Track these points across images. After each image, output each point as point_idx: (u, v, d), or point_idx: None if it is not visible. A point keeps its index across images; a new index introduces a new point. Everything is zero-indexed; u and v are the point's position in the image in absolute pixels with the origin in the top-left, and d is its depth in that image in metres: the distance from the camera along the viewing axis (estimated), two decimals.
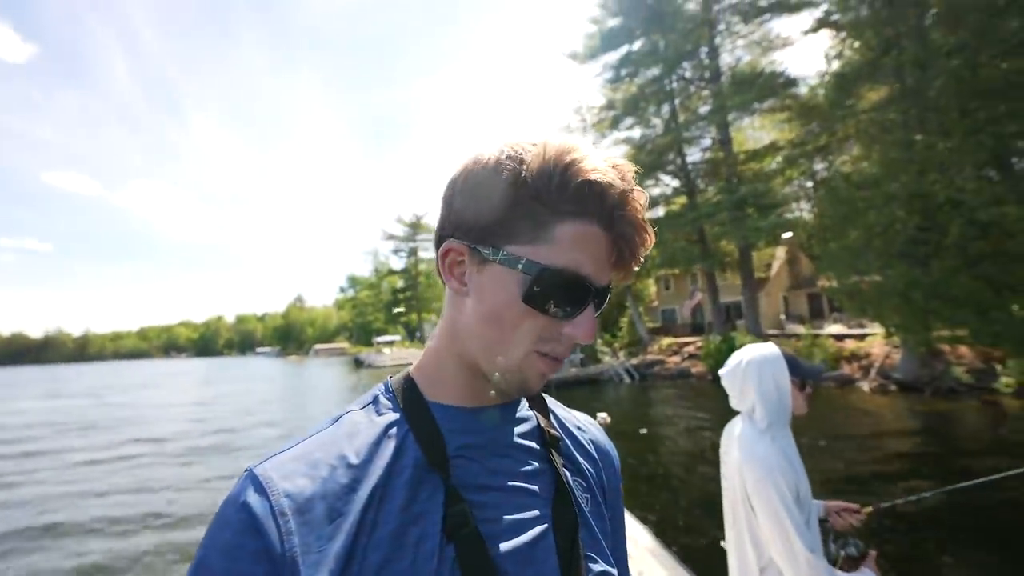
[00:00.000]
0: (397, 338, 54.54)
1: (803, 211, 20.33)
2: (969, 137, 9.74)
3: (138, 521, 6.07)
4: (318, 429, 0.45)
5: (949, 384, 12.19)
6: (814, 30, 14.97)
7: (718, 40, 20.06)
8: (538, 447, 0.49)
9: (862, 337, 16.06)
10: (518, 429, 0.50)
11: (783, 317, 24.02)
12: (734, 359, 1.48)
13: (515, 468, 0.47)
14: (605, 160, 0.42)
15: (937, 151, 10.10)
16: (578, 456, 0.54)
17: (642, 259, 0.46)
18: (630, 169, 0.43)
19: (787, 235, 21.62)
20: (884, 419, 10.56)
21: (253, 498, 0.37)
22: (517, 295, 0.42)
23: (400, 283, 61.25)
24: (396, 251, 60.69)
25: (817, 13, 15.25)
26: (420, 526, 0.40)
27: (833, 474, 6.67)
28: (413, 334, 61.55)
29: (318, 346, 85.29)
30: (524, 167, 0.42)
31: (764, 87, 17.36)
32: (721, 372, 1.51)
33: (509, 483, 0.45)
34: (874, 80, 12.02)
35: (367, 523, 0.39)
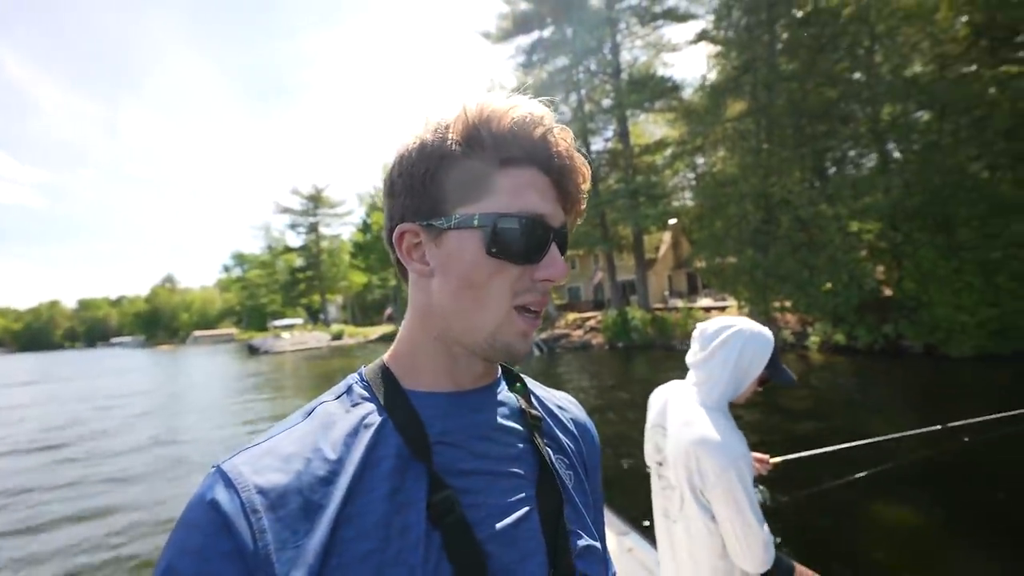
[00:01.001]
0: (298, 321, 50.26)
1: (687, 200, 23.41)
2: (798, 148, 12.35)
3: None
4: (290, 423, 0.43)
5: (779, 343, 15.64)
6: (695, 41, 17.17)
7: (619, 38, 21.71)
8: (521, 428, 0.50)
9: (723, 309, 19.48)
10: (500, 412, 0.49)
11: (666, 293, 27.72)
12: (725, 323, 1.36)
13: (499, 451, 0.46)
14: (523, 106, 0.43)
15: (776, 158, 12.61)
16: (559, 434, 0.54)
17: (585, 194, 0.47)
18: (547, 110, 0.45)
19: (672, 221, 24.86)
20: None
21: (222, 495, 0.36)
22: (481, 251, 0.42)
23: (299, 261, 56.01)
24: (293, 226, 55.09)
25: (699, 26, 17.51)
26: (404, 515, 0.39)
27: None
28: (316, 316, 57.24)
29: (198, 332, 74.80)
30: (449, 133, 0.43)
31: (655, 89, 19.40)
32: (700, 325, 1.40)
33: (493, 467, 0.45)
34: (736, 94, 14.36)
35: (347, 515, 0.38)
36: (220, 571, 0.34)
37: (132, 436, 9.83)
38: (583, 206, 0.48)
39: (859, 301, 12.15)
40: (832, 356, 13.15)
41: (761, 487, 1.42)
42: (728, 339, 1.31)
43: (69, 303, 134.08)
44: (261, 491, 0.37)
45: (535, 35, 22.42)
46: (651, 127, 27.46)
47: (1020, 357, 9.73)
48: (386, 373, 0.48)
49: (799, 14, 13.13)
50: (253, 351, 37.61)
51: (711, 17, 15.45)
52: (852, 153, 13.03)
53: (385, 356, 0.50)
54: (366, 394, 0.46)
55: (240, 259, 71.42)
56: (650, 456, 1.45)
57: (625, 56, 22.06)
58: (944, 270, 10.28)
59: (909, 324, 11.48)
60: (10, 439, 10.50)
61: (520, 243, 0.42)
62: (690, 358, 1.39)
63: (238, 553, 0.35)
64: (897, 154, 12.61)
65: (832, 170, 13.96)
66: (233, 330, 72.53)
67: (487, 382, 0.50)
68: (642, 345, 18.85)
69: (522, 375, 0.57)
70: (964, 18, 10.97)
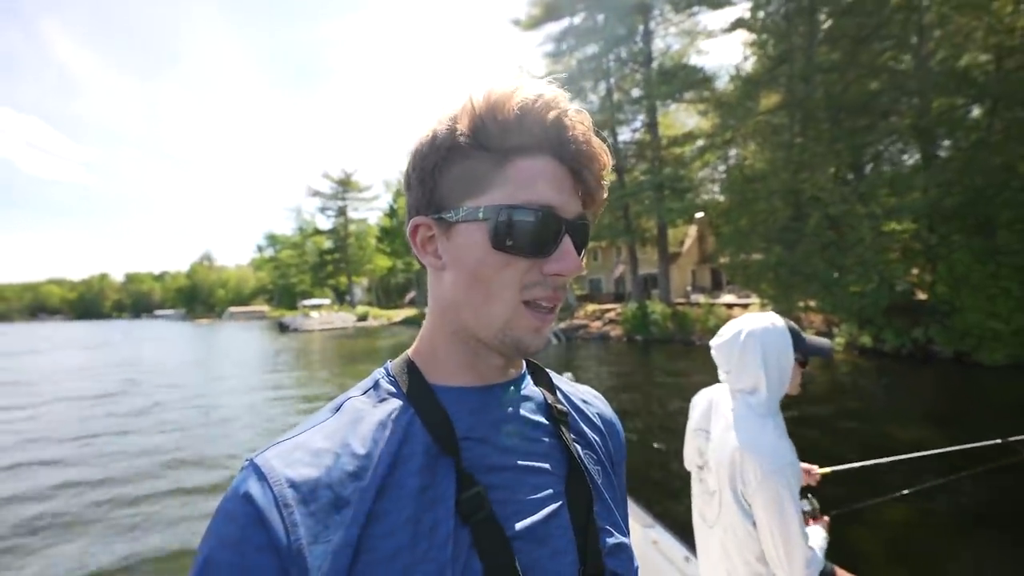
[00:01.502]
0: (326, 301, 52.12)
1: (716, 194, 22.92)
2: (833, 143, 11.96)
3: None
4: (319, 419, 0.43)
5: None
6: (731, 29, 16.62)
7: (652, 25, 21.18)
8: (547, 423, 0.49)
9: (745, 306, 19.15)
10: (526, 407, 0.49)
11: (688, 288, 27.34)
12: (732, 328, 1.32)
13: (526, 447, 0.46)
14: (533, 90, 0.41)
15: (809, 153, 12.26)
16: (586, 429, 0.54)
17: (606, 181, 0.45)
18: (561, 93, 0.42)
19: (699, 215, 24.38)
20: None
21: (255, 489, 0.36)
22: (487, 245, 0.41)
23: (328, 244, 57.87)
24: (323, 209, 56.86)
25: (736, 13, 16.91)
26: (433, 512, 0.39)
27: None
28: (343, 297, 59.17)
29: (233, 309, 78.46)
30: (457, 124, 0.42)
31: (685, 80, 18.94)
32: (714, 343, 1.35)
33: (521, 462, 0.45)
34: (771, 86, 13.92)
35: (377, 512, 0.38)
36: (256, 563, 0.34)
37: (176, 402, 10.80)
38: (604, 195, 0.46)
39: (888, 303, 11.81)
40: (858, 358, 12.87)
41: (810, 496, 1.39)
42: (745, 343, 1.26)
43: (117, 276, 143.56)
44: (293, 485, 0.37)
45: (565, 22, 22.16)
46: (683, 117, 26.81)
47: None
48: (412, 368, 0.47)
49: (844, 1, 12.55)
50: (283, 328, 39.44)
51: (748, 4, 14.93)
52: (892, 149, 12.50)
53: (410, 350, 0.50)
54: (393, 389, 0.46)
55: (273, 240, 74.27)
56: (691, 460, 1.42)
57: (658, 44, 21.56)
58: (979, 274, 9.89)
59: (940, 329, 11.11)
60: (87, 393, 11.82)
61: (527, 236, 0.41)
62: (721, 375, 1.34)
63: (272, 546, 0.35)
64: (942, 151, 12.04)
65: (868, 167, 13.45)
66: (265, 307, 75.77)
67: (512, 376, 0.50)
68: (661, 339, 18.81)
69: (547, 370, 0.56)
70: None
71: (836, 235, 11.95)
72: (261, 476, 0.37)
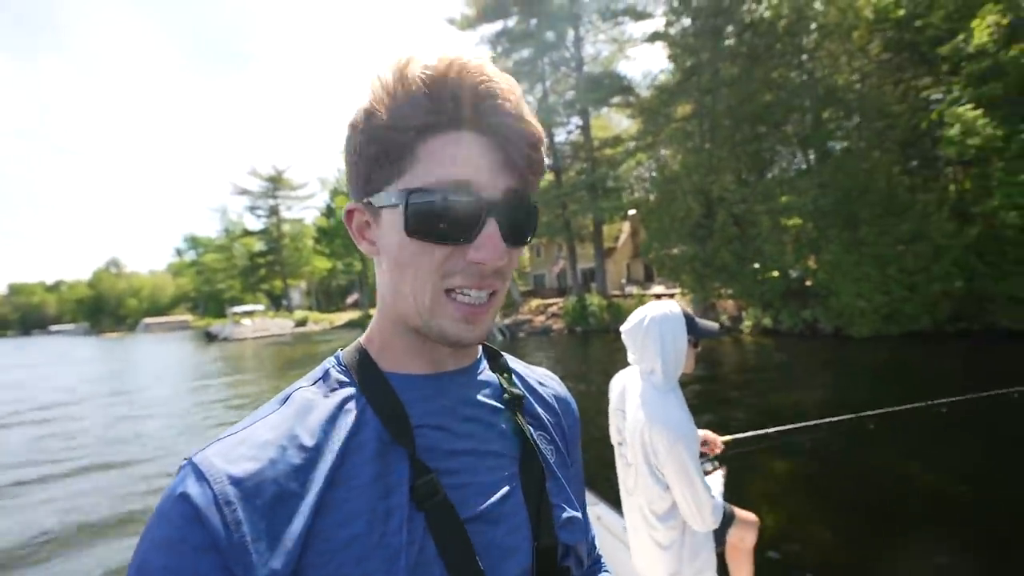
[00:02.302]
0: (259, 307, 48.70)
1: (648, 192, 24.57)
2: (734, 149, 13.52)
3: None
4: (265, 412, 0.41)
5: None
6: (651, 40, 18.00)
7: (582, 32, 22.26)
8: (502, 407, 0.50)
9: (672, 295, 20.93)
10: (482, 392, 0.49)
11: (623, 281, 29.16)
12: (637, 316, 1.47)
13: (482, 432, 0.47)
14: (449, 61, 0.38)
15: (716, 158, 13.76)
16: (541, 411, 0.55)
17: (537, 152, 0.41)
18: (482, 60, 0.39)
19: (632, 212, 26.09)
20: None
21: (193, 488, 0.35)
22: (402, 231, 0.39)
23: (259, 246, 54.03)
24: (252, 209, 52.93)
25: (656, 25, 18.33)
26: (388, 500, 0.39)
27: None
28: (279, 303, 55.66)
29: (149, 320, 70.94)
30: (371, 103, 0.40)
31: (610, 88, 20.21)
32: (623, 328, 1.51)
33: (477, 447, 0.45)
34: (683, 97, 15.37)
35: (329, 502, 0.37)
36: (194, 564, 0.33)
37: (89, 426, 9.84)
38: (542, 165, 0.42)
39: (783, 289, 13.64)
40: (761, 338, 14.70)
41: (715, 461, 1.66)
42: (647, 329, 1.42)
43: None
44: (235, 481, 0.35)
45: (500, 24, 22.61)
46: (616, 119, 28.36)
47: (907, 337, 11.44)
48: (364, 356, 0.46)
49: (744, 22, 14.18)
50: (211, 338, 36.49)
51: (665, 18, 16.31)
52: (785, 154, 14.40)
53: (362, 338, 0.49)
54: (344, 378, 0.45)
55: (194, 242, 67.87)
56: (613, 436, 1.58)
57: (589, 50, 22.68)
58: (847, 263, 11.79)
59: (823, 310, 13.07)
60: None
61: (439, 221, 0.38)
62: (630, 357, 1.50)
63: (212, 545, 0.33)
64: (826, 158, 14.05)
65: (769, 170, 15.37)
66: (188, 317, 69.36)
67: (467, 363, 0.50)
68: (598, 329, 20.04)
69: (504, 354, 0.56)
70: (877, 39, 12.32)
71: (740, 231, 13.56)
72: (200, 474, 0.36)
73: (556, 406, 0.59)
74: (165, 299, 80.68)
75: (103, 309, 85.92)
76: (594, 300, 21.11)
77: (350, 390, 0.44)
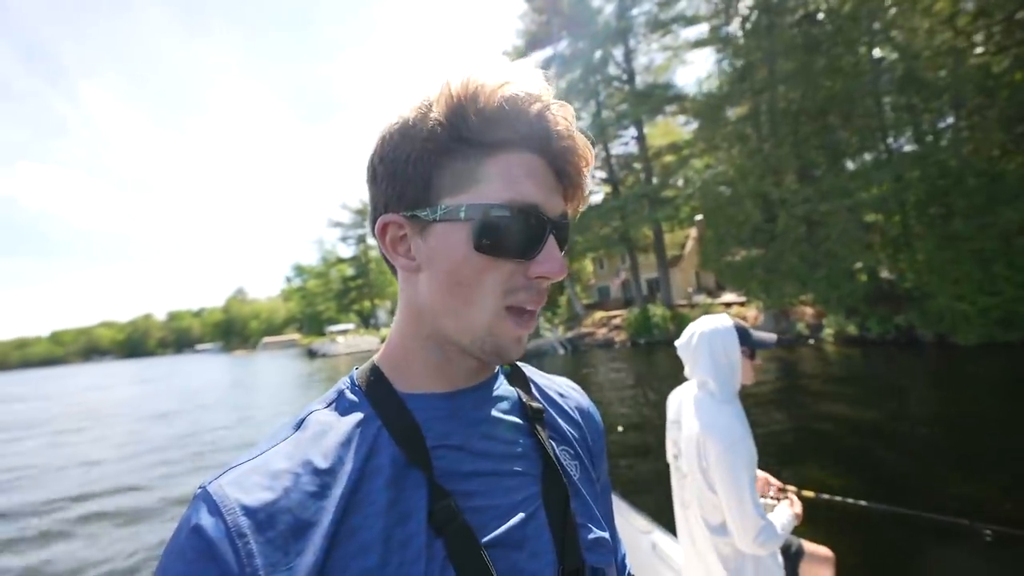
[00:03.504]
0: (351, 326, 54.65)
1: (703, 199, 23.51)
2: (795, 147, 12.76)
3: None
4: (279, 437, 0.41)
5: (793, 336, 15.78)
6: (700, 45, 17.66)
7: (632, 44, 22.41)
8: (522, 422, 0.48)
9: (744, 304, 19.66)
10: (499, 407, 0.48)
11: (690, 290, 27.80)
12: (688, 331, 1.49)
13: (501, 449, 0.45)
14: (516, 81, 0.39)
15: (774, 158, 13.08)
16: (562, 424, 0.53)
17: (584, 179, 0.43)
18: (545, 85, 0.40)
19: (699, 218, 25.05)
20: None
21: (207, 520, 0.34)
22: (469, 246, 0.39)
23: (350, 271, 60.78)
24: (344, 238, 59.90)
25: (707, 29, 17.95)
26: (405, 527, 0.38)
27: None
28: (367, 321, 61.66)
29: (267, 339, 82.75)
30: (433, 113, 0.39)
31: (659, 98, 20.03)
32: (677, 343, 1.52)
33: (496, 467, 0.44)
34: (736, 99, 14.86)
35: (345, 531, 0.37)
36: None
37: (220, 421, 12.47)
38: (586, 193, 0.45)
39: (864, 293, 12.35)
40: (846, 347, 13.34)
41: (783, 494, 1.52)
42: (697, 344, 1.43)
43: (160, 315, 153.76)
44: (248, 512, 0.35)
45: (549, 51, 23.70)
46: (674, 126, 27.67)
47: None
48: (378, 376, 0.45)
49: (798, 15, 13.49)
50: (312, 355, 41.84)
51: (709, 24, 16.00)
52: (854, 148, 13.16)
53: (375, 357, 0.48)
54: (356, 400, 0.44)
55: (299, 270, 78.17)
56: (669, 451, 1.56)
57: (641, 60, 22.72)
58: (941, 260, 10.44)
59: (919, 314, 11.58)
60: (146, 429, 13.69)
61: (512, 237, 0.39)
62: (686, 372, 1.50)
63: None
64: (906, 148, 12.63)
65: (841, 164, 14.07)
66: (296, 336, 79.48)
67: (484, 378, 0.48)
68: (662, 341, 19.48)
69: (522, 365, 0.55)
70: (961, 5, 10.97)
71: (806, 232, 12.64)
72: (213, 505, 0.35)
73: (579, 418, 0.56)
74: (279, 321, 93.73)
75: (232, 330, 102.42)
76: (657, 311, 20.62)
77: (364, 412, 0.43)
